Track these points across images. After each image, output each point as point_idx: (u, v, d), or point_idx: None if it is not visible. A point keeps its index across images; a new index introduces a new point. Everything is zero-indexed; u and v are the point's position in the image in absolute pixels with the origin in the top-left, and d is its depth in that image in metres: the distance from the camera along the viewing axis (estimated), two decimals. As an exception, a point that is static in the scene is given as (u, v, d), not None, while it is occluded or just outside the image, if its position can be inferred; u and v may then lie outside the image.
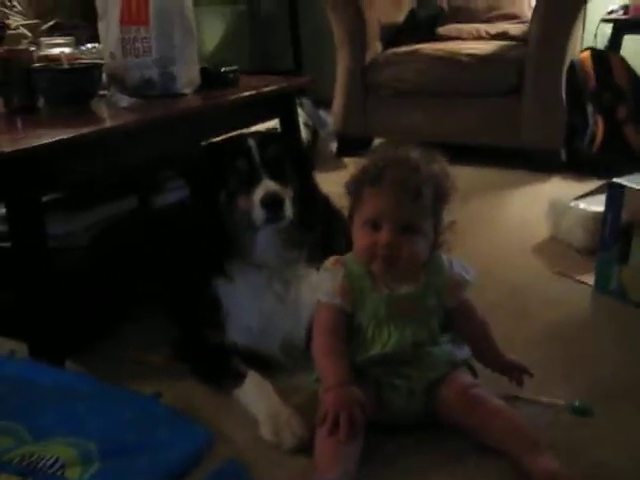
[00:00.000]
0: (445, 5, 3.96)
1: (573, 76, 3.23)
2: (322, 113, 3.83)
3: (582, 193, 2.45)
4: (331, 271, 1.41)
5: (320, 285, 1.42)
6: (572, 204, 2.36)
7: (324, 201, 1.78)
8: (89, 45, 2.36)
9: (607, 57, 3.30)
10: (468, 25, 3.79)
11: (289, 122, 2.32)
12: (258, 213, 1.52)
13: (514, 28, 3.61)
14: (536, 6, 3.19)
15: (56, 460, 1.25)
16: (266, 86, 2.18)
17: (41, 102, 1.95)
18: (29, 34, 2.84)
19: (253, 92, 2.10)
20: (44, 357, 1.58)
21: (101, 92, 2.04)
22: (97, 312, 1.85)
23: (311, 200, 1.67)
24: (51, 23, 3.01)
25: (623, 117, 3.18)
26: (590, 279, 2.05)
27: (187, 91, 2.06)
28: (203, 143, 1.90)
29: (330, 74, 3.72)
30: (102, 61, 2.06)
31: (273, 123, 2.29)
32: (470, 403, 1.32)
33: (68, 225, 1.88)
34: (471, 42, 3.59)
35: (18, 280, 1.56)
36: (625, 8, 3.54)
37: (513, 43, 3.43)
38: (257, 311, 1.60)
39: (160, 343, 1.75)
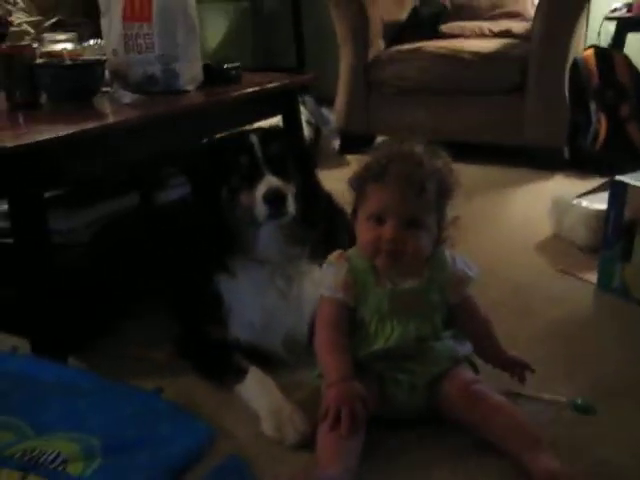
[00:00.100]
0: (448, 3, 3.96)
1: (576, 74, 3.23)
2: (324, 111, 3.83)
3: (585, 191, 2.44)
4: (335, 265, 1.41)
5: (323, 279, 1.42)
6: (575, 202, 2.35)
7: (326, 198, 1.78)
8: (91, 41, 2.36)
9: (610, 55, 3.29)
10: (471, 23, 3.78)
11: (291, 119, 2.32)
12: (260, 209, 1.52)
13: (517, 26, 3.60)
14: (539, 4, 3.18)
15: (57, 455, 1.24)
16: (269, 83, 2.18)
17: (44, 98, 1.96)
18: (32, 31, 2.84)
19: (256, 89, 2.10)
20: (46, 353, 1.58)
21: (104, 89, 2.04)
22: (99, 309, 1.85)
23: (313, 196, 1.67)
24: (53, 20, 3.01)
25: (626, 115, 3.17)
26: (593, 277, 2.05)
27: (190, 88, 2.06)
28: (205, 140, 1.90)
29: (333, 72, 3.72)
30: (105, 57, 2.06)
31: (276, 120, 2.29)
32: (471, 399, 1.32)
33: (69, 221, 1.88)
34: (474, 40, 3.58)
35: (20, 276, 1.56)
36: (629, 6, 3.54)
37: (516, 41, 3.43)
38: (259, 307, 1.60)
39: (162, 339, 1.75)
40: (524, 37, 3.39)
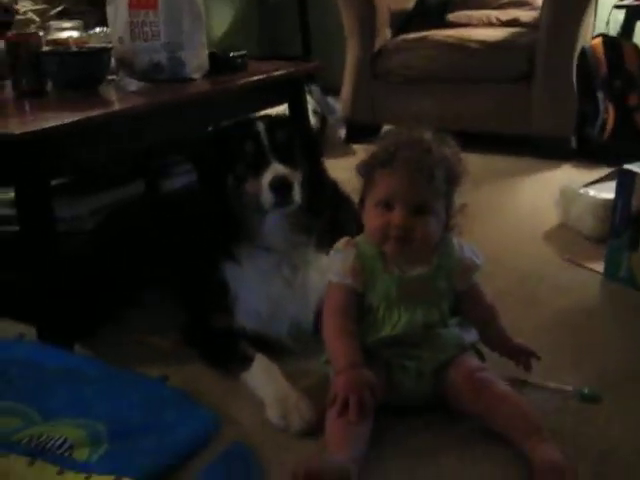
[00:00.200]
0: (455, -9, 3.93)
1: (584, 63, 3.20)
2: (330, 100, 3.82)
3: (592, 180, 2.43)
4: (343, 252, 1.41)
5: (331, 266, 1.42)
6: (582, 191, 2.34)
7: (333, 186, 1.78)
8: (97, 29, 2.36)
9: (619, 44, 3.26)
10: (478, 12, 3.75)
11: (298, 107, 2.31)
12: (267, 197, 1.51)
13: (525, 15, 3.58)
14: (547, -8, 3.16)
15: (64, 441, 1.25)
16: (275, 71, 2.17)
17: (49, 86, 1.95)
18: (37, 19, 2.83)
19: (262, 77, 2.10)
20: (52, 341, 1.59)
21: (110, 77, 2.04)
22: (104, 296, 1.85)
23: (320, 185, 1.67)
24: (59, 8, 3.00)
25: (635, 104, 3.15)
26: (600, 266, 2.04)
27: (196, 76, 2.05)
28: (211, 128, 1.89)
29: (339, 61, 3.70)
30: (110, 45, 2.06)
31: (282, 108, 2.28)
32: (477, 387, 1.31)
33: (75, 209, 1.88)
34: (481, 29, 3.56)
35: (26, 264, 1.56)
36: (638, -6, 3.50)
37: (524, 30, 3.41)
38: (265, 295, 1.60)
39: (167, 327, 1.75)
40: (532, 26, 3.37)
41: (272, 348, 1.59)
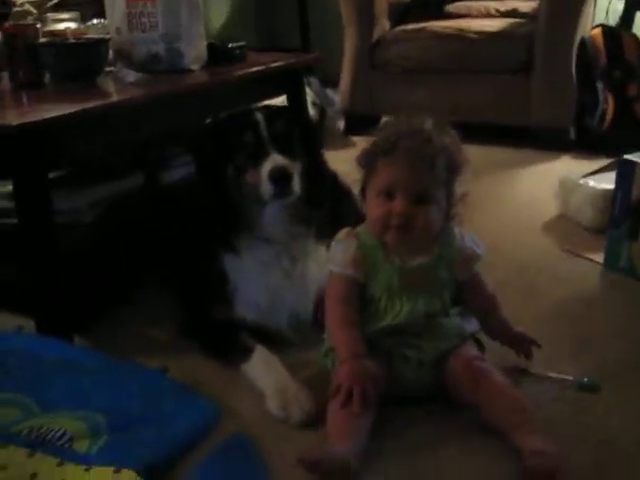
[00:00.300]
0: (454, -18, 3.91)
1: (584, 53, 3.19)
2: (329, 92, 3.81)
3: (591, 171, 2.43)
4: (344, 242, 1.41)
5: (332, 256, 1.42)
6: (581, 182, 2.34)
7: (332, 177, 1.78)
8: (95, 21, 2.34)
9: (618, 34, 3.24)
10: (477, 2, 3.74)
11: (297, 99, 2.30)
12: (266, 187, 1.51)
13: (524, 5, 3.56)
14: (546, -17, 3.15)
15: (64, 432, 1.25)
16: (274, 62, 2.17)
17: (47, 78, 1.94)
18: (34, 11, 2.81)
19: (260, 68, 2.09)
20: (51, 333, 1.58)
21: (107, 69, 2.03)
22: (103, 289, 1.85)
23: (319, 176, 1.66)
24: (56, 0, 2.99)
25: (634, 94, 3.14)
26: (599, 257, 2.04)
27: (194, 67, 2.04)
28: (210, 119, 1.89)
29: (338, 53, 3.69)
30: (108, 36, 2.05)
31: (281, 100, 2.27)
32: (475, 376, 1.32)
33: (73, 201, 1.88)
34: (480, 19, 3.55)
35: (25, 256, 1.56)
36: (637, -16, 3.48)
37: (523, 20, 3.39)
38: (265, 286, 1.60)
39: (167, 319, 1.75)
40: (531, 16, 3.35)
41: (272, 339, 1.59)
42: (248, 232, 1.60)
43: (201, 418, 1.35)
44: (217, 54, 2.15)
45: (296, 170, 1.55)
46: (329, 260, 1.43)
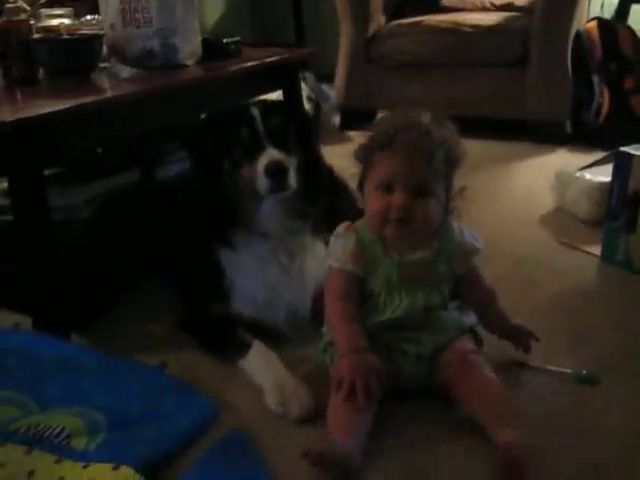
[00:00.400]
0: (449, -24, 3.90)
1: (579, 46, 3.19)
2: (324, 87, 3.80)
3: (588, 164, 2.43)
4: (343, 237, 1.40)
5: (331, 251, 1.41)
6: (578, 175, 2.34)
7: (328, 172, 1.77)
8: (89, 17, 2.33)
9: (614, 27, 3.24)
10: (472, -4, 3.73)
11: (292, 94, 2.30)
12: (262, 182, 1.50)
13: (519, -1, 3.56)
14: (541, -24, 3.14)
15: (62, 430, 1.24)
16: (269, 57, 2.16)
17: (41, 74, 1.93)
18: (27, 8, 2.80)
19: (255, 63, 2.08)
20: (48, 330, 1.58)
21: (102, 65, 2.02)
22: (100, 285, 1.84)
23: (315, 170, 1.66)
24: (49, -4, 2.97)
25: (630, 88, 3.14)
26: (596, 250, 2.04)
27: (189, 62, 2.04)
28: (205, 115, 1.88)
29: (333, 48, 3.68)
30: (102, 32, 2.03)
31: (276, 95, 2.27)
32: (467, 367, 1.32)
33: (70, 198, 1.87)
34: (476, 13, 3.54)
35: (21, 253, 1.55)
36: (633, -23, 3.48)
37: (518, 14, 3.39)
38: (262, 281, 1.59)
39: (164, 315, 1.75)
40: (526, 10, 3.35)
41: (269, 335, 1.58)
42: (244, 227, 1.59)
43: (200, 415, 1.34)
44: (212, 49, 2.14)
45: (292, 165, 1.54)
46: (328, 255, 1.43)
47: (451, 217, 1.42)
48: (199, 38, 2.09)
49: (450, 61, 3.37)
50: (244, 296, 1.59)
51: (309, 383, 1.41)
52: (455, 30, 3.31)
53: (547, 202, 2.45)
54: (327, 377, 1.37)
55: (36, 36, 1.95)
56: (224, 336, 1.57)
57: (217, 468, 1.21)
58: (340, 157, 1.56)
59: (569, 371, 1.45)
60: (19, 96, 1.80)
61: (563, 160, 2.91)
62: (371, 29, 3.53)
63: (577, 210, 2.30)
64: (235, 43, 2.20)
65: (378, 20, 3.59)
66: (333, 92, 3.76)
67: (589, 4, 3.60)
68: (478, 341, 1.44)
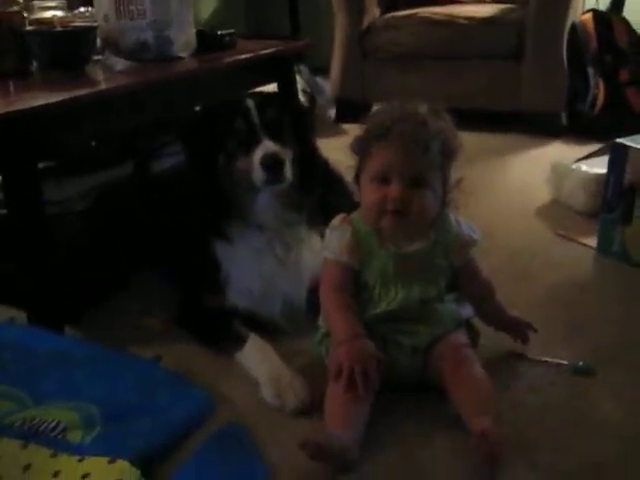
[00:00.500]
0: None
1: (574, 38, 3.18)
2: (320, 80, 3.79)
3: (583, 155, 2.43)
4: (338, 229, 1.40)
5: (327, 243, 1.41)
6: (573, 166, 2.34)
7: (324, 164, 1.76)
8: (82, 9, 2.31)
9: (609, 19, 3.24)
10: (468, -12, 3.72)
11: (287, 86, 2.29)
12: (258, 174, 1.50)
13: (515, -10, 3.55)
14: (537, -33, 3.13)
15: (57, 424, 1.24)
16: (263, 49, 2.15)
17: (34, 66, 1.92)
18: (20, 0, 2.78)
19: (250, 55, 2.08)
20: (42, 324, 1.57)
21: (95, 57, 2.00)
22: (95, 278, 1.83)
23: (311, 162, 1.65)
24: (43, -12, 2.95)
25: (625, 79, 3.14)
26: (592, 241, 2.04)
27: (183, 54, 2.03)
28: (199, 107, 1.87)
29: (328, 41, 3.67)
30: (96, 24, 2.02)
31: (271, 87, 2.26)
32: (459, 358, 1.32)
33: (64, 191, 1.86)
34: (470, 5, 3.54)
35: (15, 248, 1.54)
36: (628, -32, 3.47)
37: (513, 6, 3.38)
38: (257, 274, 1.59)
39: (159, 307, 1.74)
40: (521, 2, 3.33)
41: (265, 327, 1.58)
42: (240, 219, 1.58)
43: (195, 408, 1.34)
44: (206, 41, 2.13)
45: (288, 157, 1.53)
46: (324, 247, 1.42)
47: (448, 209, 1.41)
48: (193, 30, 2.08)
49: (445, 53, 3.36)
50: (240, 288, 1.59)
51: (305, 375, 1.40)
52: (450, 22, 3.31)
53: (543, 194, 2.45)
54: (323, 369, 1.36)
55: (29, 28, 1.94)
56: (220, 328, 1.57)
57: (213, 461, 1.21)
58: (336, 150, 1.55)
59: (566, 363, 1.45)
60: (12, 89, 1.79)
61: (559, 152, 2.91)
62: (366, 21, 3.52)
63: (573, 202, 2.30)
64: (230, 35, 2.19)
65: (373, 12, 3.58)
66: (328, 85, 3.75)
67: (585, -5, 3.60)
68: (475, 333, 1.44)
